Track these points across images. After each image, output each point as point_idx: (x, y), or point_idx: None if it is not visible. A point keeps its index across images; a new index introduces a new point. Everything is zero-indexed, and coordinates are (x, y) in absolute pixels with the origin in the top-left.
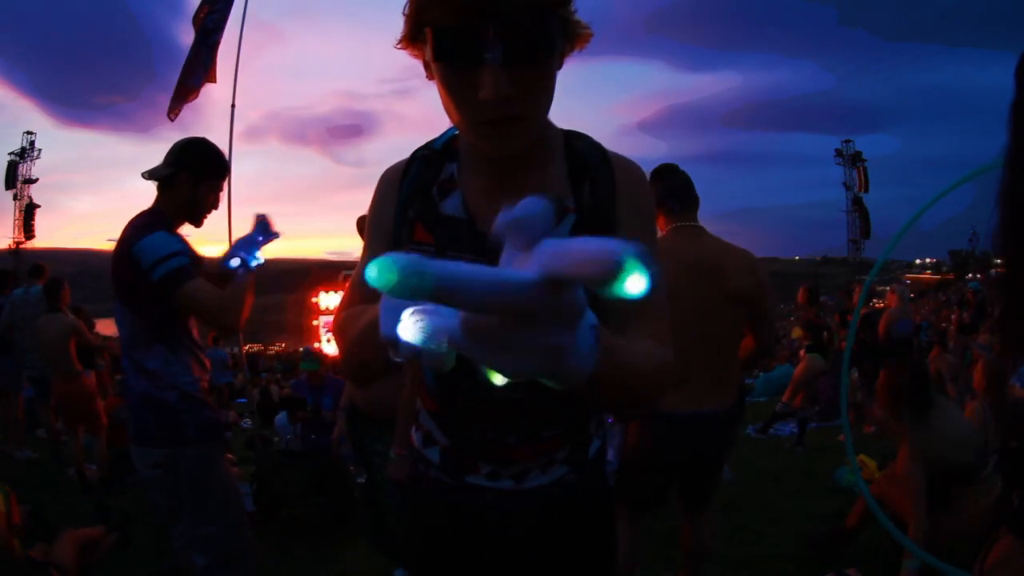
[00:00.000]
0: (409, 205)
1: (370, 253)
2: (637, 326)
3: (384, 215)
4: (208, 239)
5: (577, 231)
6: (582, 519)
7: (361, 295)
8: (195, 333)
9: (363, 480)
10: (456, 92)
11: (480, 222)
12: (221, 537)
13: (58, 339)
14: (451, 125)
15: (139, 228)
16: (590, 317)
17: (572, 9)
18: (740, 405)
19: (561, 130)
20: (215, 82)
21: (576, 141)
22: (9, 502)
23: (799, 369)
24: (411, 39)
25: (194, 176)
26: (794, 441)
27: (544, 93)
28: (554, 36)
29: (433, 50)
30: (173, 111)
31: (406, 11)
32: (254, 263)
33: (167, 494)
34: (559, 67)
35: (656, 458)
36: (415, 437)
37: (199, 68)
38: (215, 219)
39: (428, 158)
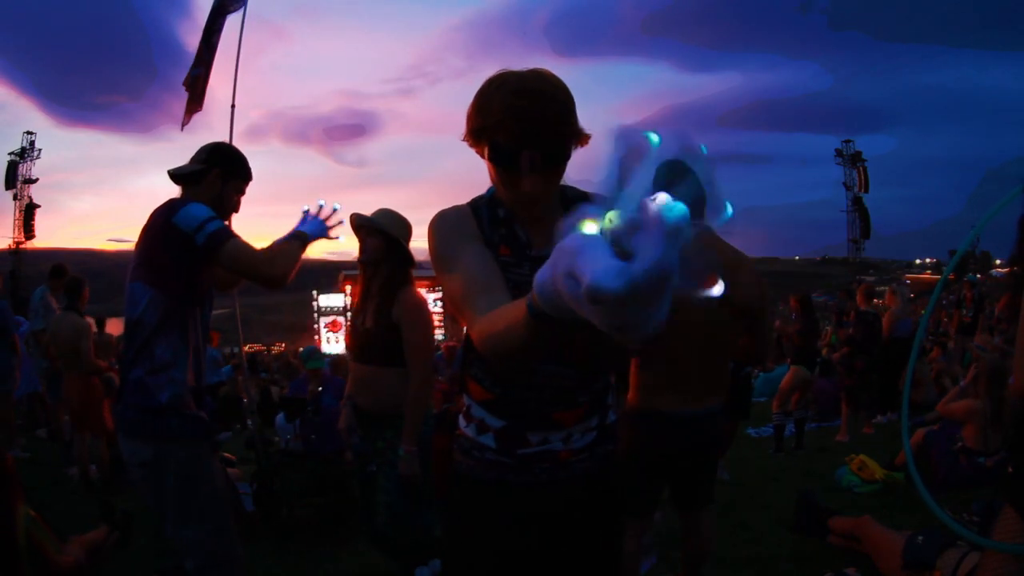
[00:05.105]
0: (495, 231)
1: (471, 252)
2: None
3: (467, 231)
4: None
5: None
6: (609, 492)
7: (477, 292)
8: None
9: (372, 468)
10: (503, 180)
11: (532, 247)
12: (205, 541)
13: (72, 337)
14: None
15: (173, 204)
16: None
17: (582, 128)
18: (731, 403)
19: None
20: (200, 109)
21: (566, 189)
22: (29, 529)
23: (786, 379)
24: (475, 140)
25: (224, 174)
26: (793, 444)
27: (559, 180)
28: (571, 149)
29: (491, 157)
30: (185, 122)
31: (471, 119)
32: (313, 233)
33: (153, 494)
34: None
35: (648, 456)
36: (467, 431)
37: (202, 84)
38: None
39: (488, 205)
